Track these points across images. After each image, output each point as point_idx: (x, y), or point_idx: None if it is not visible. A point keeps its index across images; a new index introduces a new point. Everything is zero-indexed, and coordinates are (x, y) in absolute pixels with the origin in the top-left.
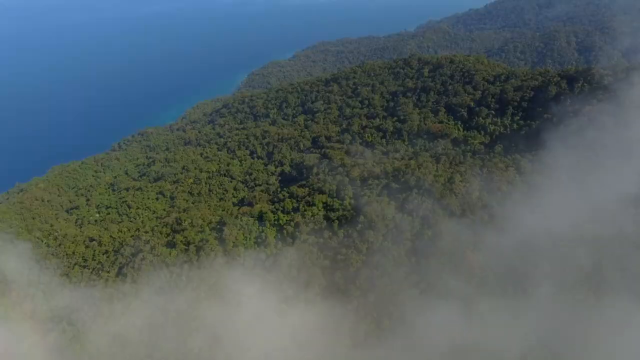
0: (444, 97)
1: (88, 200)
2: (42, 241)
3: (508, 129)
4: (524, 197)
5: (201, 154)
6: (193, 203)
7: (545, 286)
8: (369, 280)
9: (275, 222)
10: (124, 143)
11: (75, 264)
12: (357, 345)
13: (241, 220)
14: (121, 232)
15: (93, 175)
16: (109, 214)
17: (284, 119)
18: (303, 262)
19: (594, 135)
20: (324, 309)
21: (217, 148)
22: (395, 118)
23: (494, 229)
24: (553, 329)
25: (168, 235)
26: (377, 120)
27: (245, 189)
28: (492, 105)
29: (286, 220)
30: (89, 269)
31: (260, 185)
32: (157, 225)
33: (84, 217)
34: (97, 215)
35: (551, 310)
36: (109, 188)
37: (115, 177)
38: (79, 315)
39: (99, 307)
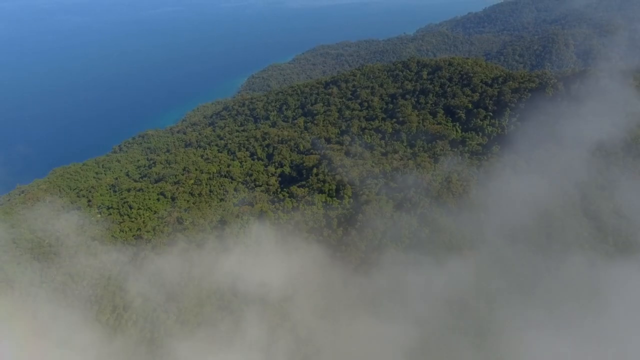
0: (443, 99)
1: (89, 201)
2: (45, 241)
3: (505, 130)
4: (519, 195)
5: (202, 156)
6: (194, 203)
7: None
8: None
9: (276, 222)
10: (124, 145)
11: (77, 262)
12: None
13: (242, 220)
14: (123, 231)
15: (94, 177)
16: (110, 214)
17: (284, 121)
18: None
19: (591, 136)
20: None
21: (218, 150)
22: (394, 120)
23: (487, 222)
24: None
25: (170, 234)
26: (376, 121)
27: (246, 189)
28: (489, 107)
29: (286, 219)
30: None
31: (260, 186)
32: (158, 225)
33: (85, 217)
34: (99, 215)
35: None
36: (110, 189)
37: (116, 179)
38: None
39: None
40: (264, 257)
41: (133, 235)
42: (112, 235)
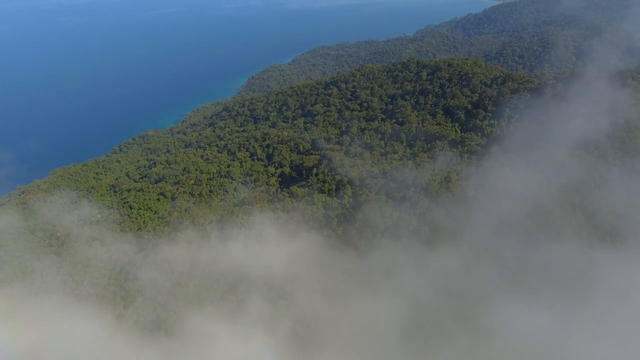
0: (442, 99)
1: (90, 201)
2: (45, 241)
3: (504, 131)
4: (517, 195)
5: (202, 156)
6: (194, 203)
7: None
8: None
9: (276, 221)
10: (124, 146)
11: (77, 262)
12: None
13: (242, 219)
14: (123, 231)
15: (94, 177)
16: (110, 214)
17: (283, 121)
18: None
19: (589, 136)
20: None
21: (218, 150)
22: (394, 120)
23: (486, 221)
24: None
25: (170, 234)
26: (376, 122)
27: (246, 189)
28: (489, 108)
29: (286, 219)
30: (91, 267)
31: (260, 186)
32: (158, 225)
33: (86, 217)
34: (99, 216)
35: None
36: (110, 189)
37: (117, 179)
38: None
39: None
40: (264, 255)
41: (133, 235)
42: (113, 236)
